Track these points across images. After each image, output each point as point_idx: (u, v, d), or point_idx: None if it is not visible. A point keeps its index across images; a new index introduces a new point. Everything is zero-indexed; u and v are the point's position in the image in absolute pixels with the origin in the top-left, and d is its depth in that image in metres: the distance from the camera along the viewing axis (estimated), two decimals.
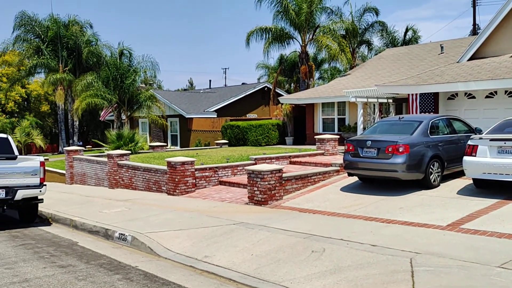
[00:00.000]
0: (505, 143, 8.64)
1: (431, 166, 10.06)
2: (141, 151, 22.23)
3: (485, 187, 9.58)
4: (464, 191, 9.66)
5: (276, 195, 10.66)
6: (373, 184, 11.19)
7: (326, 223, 8.20)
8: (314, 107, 24.81)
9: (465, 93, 15.46)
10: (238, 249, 7.03)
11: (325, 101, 23.43)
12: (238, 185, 13.42)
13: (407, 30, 36.41)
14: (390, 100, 19.88)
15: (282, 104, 27.38)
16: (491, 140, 8.85)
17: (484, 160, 8.88)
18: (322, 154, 17.11)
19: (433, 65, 22.31)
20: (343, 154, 17.73)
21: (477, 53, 15.90)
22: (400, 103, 21.02)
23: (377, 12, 34.36)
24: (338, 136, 18.03)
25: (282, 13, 28.97)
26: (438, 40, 36.98)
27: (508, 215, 7.67)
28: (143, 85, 36.58)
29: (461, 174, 11.18)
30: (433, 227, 7.43)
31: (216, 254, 6.91)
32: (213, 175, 14.03)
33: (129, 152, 17.62)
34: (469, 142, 9.28)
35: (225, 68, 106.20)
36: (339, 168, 12.61)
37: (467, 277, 4.99)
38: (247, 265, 6.30)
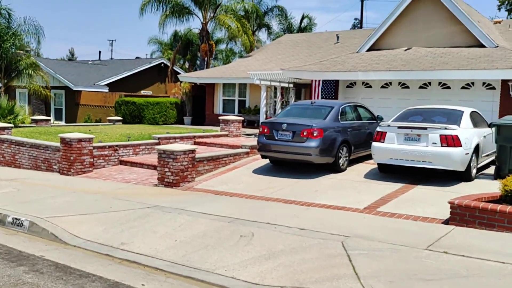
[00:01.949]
0: (411, 130, 9.20)
1: (341, 151, 10.40)
2: (22, 125, 19.94)
3: (388, 172, 10.15)
4: (370, 175, 10.15)
5: (189, 176, 10.20)
6: (284, 167, 11.28)
7: (247, 206, 8.01)
8: (215, 87, 24.44)
9: (363, 82, 16.31)
10: (158, 235, 6.51)
11: (227, 81, 23.21)
12: (141, 165, 12.65)
13: (303, 18, 37.57)
14: (291, 85, 20.29)
15: (181, 82, 26.55)
16: (399, 127, 9.37)
17: (391, 147, 9.38)
18: (226, 135, 16.91)
19: (330, 53, 23.24)
20: (247, 136, 17.84)
21: (375, 45, 16.83)
22: (299, 88, 21.59)
23: None
24: (242, 118, 17.95)
25: None
26: (323, 30, 38.84)
27: (416, 198, 8.19)
28: (21, 51, 32.82)
29: (364, 159, 11.80)
30: (351, 210, 7.64)
31: (134, 240, 6.33)
32: (113, 154, 13.03)
33: (11, 125, 15.65)
34: (378, 129, 9.73)
35: (112, 40, 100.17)
36: (249, 150, 12.50)
37: (401, 260, 5.14)
38: (172, 252, 5.85)
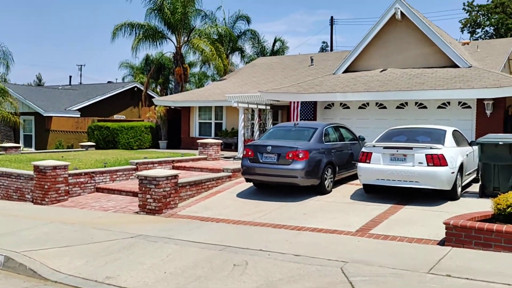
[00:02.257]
0: (397, 151, 9.18)
1: (326, 172, 10.28)
2: None
3: (374, 192, 10.08)
4: (357, 196, 10.04)
5: (171, 203, 9.85)
6: (268, 190, 11.07)
7: (235, 233, 7.72)
8: (190, 110, 24.19)
9: (341, 103, 16.40)
10: (146, 266, 6.16)
11: (203, 104, 23.01)
12: (119, 192, 12.21)
13: (275, 41, 37.92)
14: (268, 107, 20.25)
15: (155, 106, 26.21)
16: (385, 148, 9.33)
17: (378, 167, 9.32)
18: (205, 159, 16.62)
19: (305, 75, 23.42)
20: (226, 159, 17.58)
21: (351, 66, 17.01)
22: (276, 110, 21.59)
23: (248, 21, 35.10)
24: (221, 141, 17.72)
25: (156, 11, 27.83)
26: (294, 53, 39.39)
27: (406, 219, 8.09)
28: None
29: (347, 180, 11.72)
30: (344, 234, 7.46)
31: (120, 274, 5.95)
32: (89, 181, 12.55)
33: None
34: (363, 150, 9.68)
35: (81, 65, 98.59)
36: (231, 173, 12.25)
37: (406, 285, 4.97)
38: (162, 285, 5.51)
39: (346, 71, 17.09)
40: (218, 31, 29.59)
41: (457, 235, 6.38)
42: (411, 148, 9.06)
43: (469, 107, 14.18)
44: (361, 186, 10.99)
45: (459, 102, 14.33)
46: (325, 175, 10.25)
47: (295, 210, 9.14)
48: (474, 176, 11.05)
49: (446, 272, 5.28)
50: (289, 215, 8.80)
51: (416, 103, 15.03)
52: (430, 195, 9.59)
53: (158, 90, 43.79)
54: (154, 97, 30.10)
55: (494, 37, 39.92)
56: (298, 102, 16.16)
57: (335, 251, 6.37)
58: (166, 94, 45.82)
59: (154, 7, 27.90)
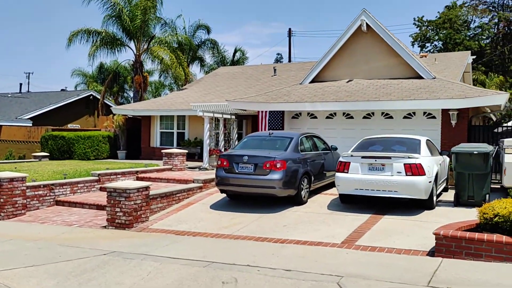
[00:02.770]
0: (376, 160, 9.12)
1: (302, 182, 10.09)
2: None
3: (350, 202, 9.98)
4: (334, 207, 9.89)
5: (142, 216, 9.32)
6: (242, 201, 10.74)
7: (217, 247, 7.34)
8: (151, 119, 23.50)
9: (308, 113, 16.36)
10: (125, 287, 5.67)
11: (165, 113, 22.38)
12: (81, 205, 11.51)
13: (235, 51, 37.83)
14: (233, 117, 19.97)
15: (114, 115, 25.32)
16: (363, 157, 9.26)
17: (356, 177, 9.23)
18: (170, 169, 16.09)
19: (269, 85, 23.35)
20: (191, 169, 17.08)
21: (318, 77, 17.04)
22: (241, 120, 21.34)
23: (208, 30, 34.83)
24: (186, 151, 17.23)
25: (114, 18, 27.03)
26: (251, 63, 39.43)
27: (389, 230, 7.99)
28: None
29: (321, 190, 11.59)
30: (329, 246, 7.25)
31: None
32: (48, 194, 11.76)
33: None
34: (341, 159, 9.57)
35: (29, 73, 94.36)
36: (202, 184, 11.83)
37: None
38: None
39: (313, 81, 17.10)
40: (178, 40, 29.11)
41: (447, 246, 6.30)
42: (389, 157, 9.03)
43: (434, 117, 14.47)
44: (336, 196, 10.91)
45: (424, 113, 14.61)
46: (302, 185, 10.05)
47: (274, 222, 8.86)
48: (444, 185, 11.20)
49: (446, 285, 5.15)
50: (269, 227, 8.51)
51: (382, 113, 15.20)
52: (406, 204, 9.59)
53: (112, 99, 42.61)
54: (111, 106, 29.12)
55: (443, 51, 41.58)
56: (266, 111, 15.98)
57: (326, 265, 6.13)
58: (121, 103, 44.64)
59: (112, 13, 27.08)
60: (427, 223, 8.27)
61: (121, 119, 24.39)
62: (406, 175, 8.83)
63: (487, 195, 9.28)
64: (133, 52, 27.36)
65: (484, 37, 46.06)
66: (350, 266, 6.04)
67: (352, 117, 15.74)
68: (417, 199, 9.05)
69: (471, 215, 8.66)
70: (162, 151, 16.60)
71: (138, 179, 14.56)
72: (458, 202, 9.57)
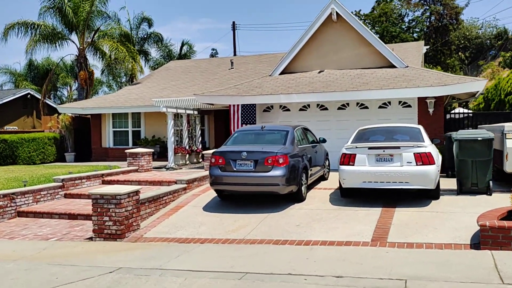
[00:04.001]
0: (384, 151, 8.69)
1: (302, 178, 9.48)
2: None
3: (350, 196, 9.53)
4: (336, 202, 9.36)
5: (134, 224, 8.28)
6: (235, 200, 9.95)
7: (238, 255, 6.54)
8: (102, 118, 21.89)
9: (281, 106, 15.79)
10: None
11: (119, 111, 20.92)
12: (50, 215, 10.24)
13: (183, 45, 36.49)
14: (196, 112, 18.99)
15: (59, 114, 23.41)
16: (370, 148, 8.80)
17: (364, 169, 8.75)
18: (136, 170, 14.89)
19: (228, 78, 22.55)
20: (158, 169, 15.93)
21: (287, 68, 16.50)
22: (203, 115, 20.38)
23: (150, 23, 33.27)
24: (153, 150, 16.07)
25: (53, 10, 24.97)
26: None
27: (411, 223, 7.57)
28: None
29: (312, 185, 11.06)
30: (362, 245, 6.70)
31: None
32: (9, 205, 10.32)
33: None
34: (345, 151, 9.05)
35: None
36: (186, 185, 10.88)
37: None
38: None
39: (282, 72, 16.54)
40: (123, 33, 27.43)
41: (493, 237, 5.96)
42: (398, 147, 8.64)
43: (409, 106, 14.42)
44: (331, 191, 10.45)
45: (400, 102, 14.52)
46: (302, 181, 9.44)
47: (283, 222, 8.18)
48: None
49: None
50: (281, 228, 7.82)
51: (357, 103, 14.95)
52: (410, 195, 9.29)
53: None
54: (51, 105, 26.98)
55: None
56: (239, 105, 15.20)
57: (376, 267, 5.55)
58: (61, 102, 41.76)
59: (50, 5, 24.99)
60: (444, 214, 7.97)
61: (67, 119, 22.58)
62: (417, 165, 8.49)
63: (490, 182, 9.18)
64: (77, 46, 25.43)
65: (417, 30, 47.98)
66: (403, 267, 5.51)
67: (326, 109, 15.36)
68: (425, 189, 8.73)
69: (480, 202, 8.52)
70: (126, 151, 15.32)
71: (104, 182, 13.30)
72: (461, 190, 9.41)
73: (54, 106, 26.97)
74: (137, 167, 14.94)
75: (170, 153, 16.98)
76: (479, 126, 13.40)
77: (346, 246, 6.66)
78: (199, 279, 5.52)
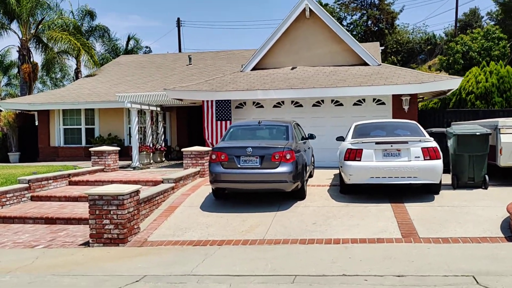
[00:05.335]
0: (391, 146, 8.57)
1: (305, 174, 9.15)
2: None
3: (352, 193, 9.34)
4: (339, 198, 9.10)
5: (135, 227, 7.53)
6: (231, 199, 9.41)
7: (270, 256, 6.06)
8: (50, 114, 20.29)
9: (254, 102, 15.37)
10: None
11: (71, 107, 19.43)
12: (22, 220, 9.18)
13: (129, 39, 34.91)
14: (158, 108, 18.09)
15: (0, 110, 21.43)
16: (377, 143, 8.64)
17: (372, 164, 8.57)
18: (102, 170, 13.84)
19: (188, 74, 21.80)
20: (123, 168, 14.92)
21: (259, 64, 16.11)
22: (165, 112, 19.48)
23: (93, 16, 31.46)
24: (119, 148, 15.03)
25: None
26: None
27: (429, 218, 7.48)
28: None
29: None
30: (397, 241, 6.48)
31: None
32: None
33: None
34: (351, 146, 8.83)
35: None
36: (173, 184, 10.16)
37: None
38: None
39: (254, 68, 16.14)
40: (73, 24, 25.70)
41: None
42: (406, 142, 8.55)
43: (383, 103, 14.55)
44: (326, 187, 10.20)
45: (374, 99, 14.62)
46: (304, 177, 9.11)
47: (296, 220, 7.79)
48: None
49: None
50: (298, 227, 7.43)
51: (332, 100, 14.87)
52: (410, 190, 9.27)
53: None
54: None
55: None
56: (213, 101, 14.59)
57: (430, 264, 5.34)
58: None
59: None
60: (456, 208, 7.98)
61: (10, 116, 20.71)
62: (425, 159, 8.45)
63: (486, 176, 9.38)
64: (19, 37, 23.42)
65: (355, 34, 49.52)
66: (459, 263, 5.35)
67: (301, 106, 15.15)
68: (430, 184, 8.73)
69: (482, 196, 8.66)
70: (91, 149, 14.19)
71: (71, 183, 12.22)
72: (457, 184, 9.53)
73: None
74: (103, 167, 13.90)
75: (135, 151, 16.02)
76: (452, 123, 13.78)
77: (380, 244, 6.42)
78: (246, 285, 5.01)
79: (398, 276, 5.00)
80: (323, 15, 15.59)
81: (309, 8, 15.51)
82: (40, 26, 24.16)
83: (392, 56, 48.60)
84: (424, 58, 49.30)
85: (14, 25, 23.43)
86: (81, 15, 30.41)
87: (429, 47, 48.74)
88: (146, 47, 66.38)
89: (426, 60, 47.64)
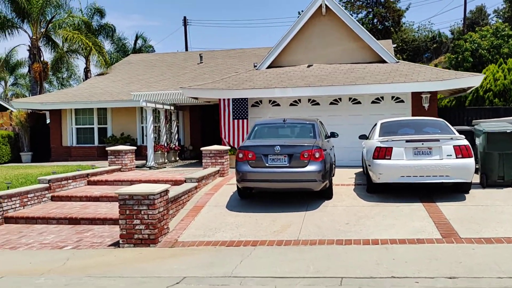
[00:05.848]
0: (422, 144, 8.40)
1: (332, 173, 8.99)
2: None
3: (380, 192, 9.17)
4: (366, 198, 8.94)
5: (165, 227, 7.39)
6: (257, 198, 9.27)
7: (310, 257, 5.90)
8: (62, 114, 20.16)
9: (270, 101, 15.22)
10: None
11: (84, 106, 19.26)
12: (46, 220, 9.05)
13: (137, 38, 34.84)
14: (172, 107, 17.98)
15: (11, 110, 21.34)
16: (408, 141, 8.47)
17: (403, 163, 8.41)
18: (119, 169, 13.72)
19: (200, 73, 21.66)
20: (139, 168, 14.79)
21: (275, 62, 15.98)
22: (178, 111, 19.35)
23: (102, 14, 31.38)
24: (136, 148, 14.90)
25: None
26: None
27: (467, 218, 7.31)
28: None
29: None
30: (437, 242, 6.32)
31: None
32: None
33: None
34: (380, 145, 8.66)
35: None
36: (196, 184, 10.02)
37: None
38: None
39: (270, 66, 16.00)
40: (84, 22, 25.60)
41: None
42: (437, 140, 8.38)
43: (402, 101, 14.38)
44: (351, 187, 10.04)
45: (393, 97, 14.44)
46: (331, 176, 8.95)
47: (328, 220, 7.64)
48: None
49: None
50: (332, 227, 7.27)
51: (350, 98, 14.70)
52: (438, 189, 9.09)
53: None
54: None
55: None
56: (229, 99, 14.45)
57: (479, 265, 5.18)
58: None
59: None
60: (491, 207, 7.82)
61: (22, 115, 20.60)
62: (457, 157, 8.28)
63: None
64: (29, 36, 23.36)
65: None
66: (509, 263, 5.17)
67: (318, 104, 14.99)
68: (461, 183, 8.56)
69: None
70: (107, 148, 14.07)
71: (90, 183, 12.11)
72: (486, 183, 9.34)
73: (1, 102, 24.63)
74: (120, 166, 13.77)
75: (150, 151, 15.92)
76: (473, 121, 13.61)
77: (421, 244, 6.25)
78: (292, 287, 4.86)
79: (450, 278, 4.84)
80: (340, 12, 15.43)
81: (325, 5, 15.34)
82: (50, 25, 24.06)
83: (398, 55, 48.38)
84: (429, 57, 48.97)
85: (25, 24, 23.33)
86: (90, 13, 30.31)
87: (434, 45, 48.43)
88: (150, 46, 66.40)
89: (432, 59, 47.31)
